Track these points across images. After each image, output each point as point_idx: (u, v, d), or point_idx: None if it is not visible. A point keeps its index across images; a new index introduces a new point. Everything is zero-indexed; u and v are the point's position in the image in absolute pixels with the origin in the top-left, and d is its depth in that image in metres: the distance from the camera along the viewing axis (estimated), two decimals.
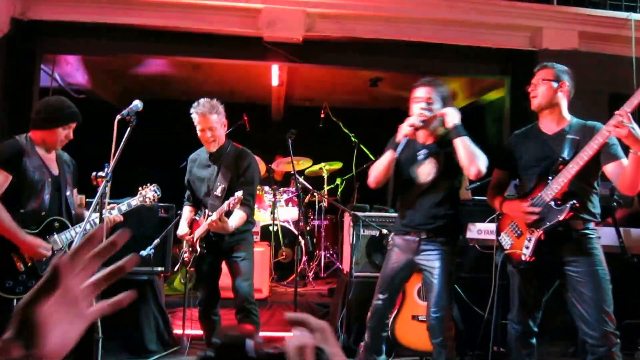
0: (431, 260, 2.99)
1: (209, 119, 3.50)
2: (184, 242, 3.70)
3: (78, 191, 3.41)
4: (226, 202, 3.29)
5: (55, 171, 3.12)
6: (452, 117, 2.95)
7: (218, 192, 3.54)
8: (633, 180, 2.60)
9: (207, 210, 3.55)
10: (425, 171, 3.04)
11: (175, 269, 3.99)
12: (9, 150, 2.96)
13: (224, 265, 3.65)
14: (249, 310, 3.49)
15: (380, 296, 3.13)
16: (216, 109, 3.55)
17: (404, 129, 2.95)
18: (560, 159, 2.74)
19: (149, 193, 3.36)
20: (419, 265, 3.06)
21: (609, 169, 2.72)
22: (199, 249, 3.57)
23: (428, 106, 2.99)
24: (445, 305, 2.97)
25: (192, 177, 3.75)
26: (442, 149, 3.03)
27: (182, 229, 3.70)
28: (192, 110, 3.55)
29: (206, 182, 3.64)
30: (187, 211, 3.80)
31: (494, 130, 6.46)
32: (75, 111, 3.13)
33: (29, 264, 2.93)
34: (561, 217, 2.69)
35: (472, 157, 2.85)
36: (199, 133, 3.56)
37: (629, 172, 2.59)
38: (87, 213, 3.23)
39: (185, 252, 3.70)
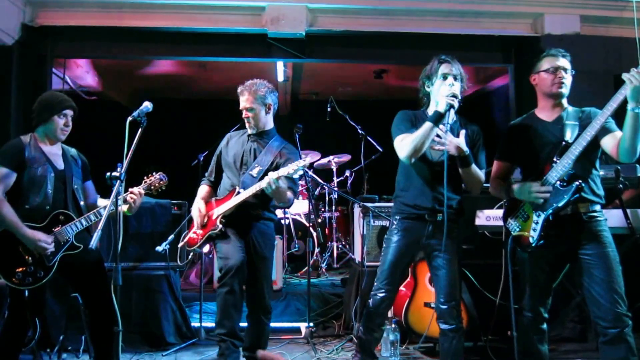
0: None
1: (246, 98, 3.50)
2: (194, 221, 3.55)
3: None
4: (285, 171, 3.16)
5: (60, 165, 3.22)
6: (463, 146, 2.93)
7: (254, 172, 3.44)
8: (631, 143, 2.62)
9: (237, 188, 3.41)
10: (439, 153, 3.02)
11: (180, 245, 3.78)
12: (12, 149, 3.09)
13: None
14: (265, 322, 3.51)
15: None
16: (256, 89, 3.50)
17: (449, 100, 2.86)
18: (564, 142, 2.78)
19: (154, 181, 3.39)
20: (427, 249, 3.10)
21: (605, 141, 2.77)
22: (219, 226, 3.41)
23: (462, 83, 3.05)
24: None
25: (226, 150, 3.63)
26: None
27: (198, 205, 3.55)
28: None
29: (241, 156, 3.53)
30: (203, 190, 3.67)
31: (500, 117, 6.47)
32: (65, 99, 3.23)
33: (37, 256, 3.05)
34: (567, 198, 2.72)
35: (473, 185, 3.02)
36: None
37: (627, 134, 2.61)
38: (103, 201, 3.34)
39: (193, 231, 3.55)
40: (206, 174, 3.77)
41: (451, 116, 2.90)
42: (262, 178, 3.32)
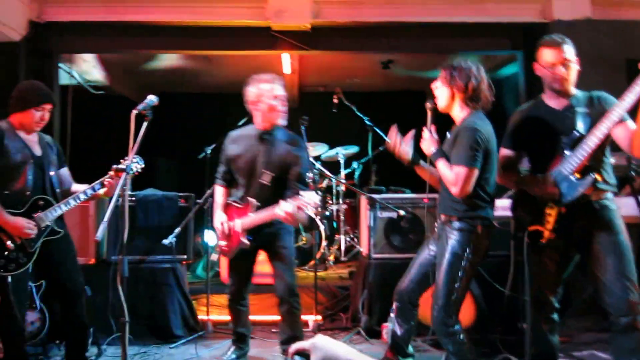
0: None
1: (280, 89, 3.41)
2: (220, 232, 3.50)
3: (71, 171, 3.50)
4: (301, 204, 3.09)
5: (37, 152, 3.25)
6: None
7: (265, 180, 3.38)
8: None
9: (251, 199, 3.37)
10: None
11: (213, 257, 3.84)
12: None
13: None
14: (292, 303, 3.43)
15: None
16: (280, 79, 3.43)
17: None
18: (577, 133, 2.71)
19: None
20: None
21: (617, 132, 2.67)
22: (247, 242, 3.37)
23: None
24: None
25: (233, 155, 3.51)
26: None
27: (220, 217, 3.51)
28: (254, 83, 3.43)
29: (251, 164, 3.42)
30: (220, 194, 3.60)
31: (511, 105, 6.40)
32: (45, 93, 3.24)
33: (18, 242, 3.08)
34: (583, 191, 2.66)
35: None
36: (267, 105, 3.37)
37: None
38: (78, 187, 3.34)
39: (223, 241, 3.52)
40: (218, 174, 3.66)
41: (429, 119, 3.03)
42: (275, 185, 3.36)
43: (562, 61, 2.78)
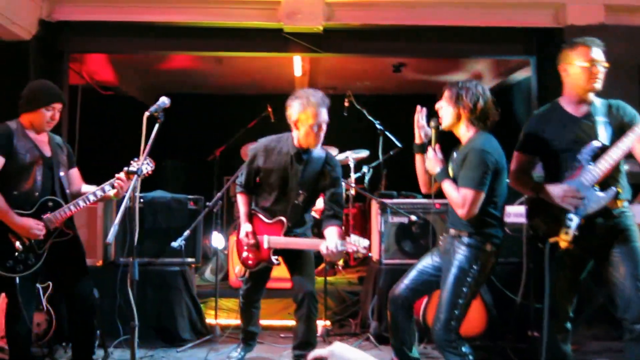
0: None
1: (325, 112, 3.24)
2: (246, 244, 3.43)
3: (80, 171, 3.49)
4: (350, 247, 3.06)
5: (47, 153, 3.23)
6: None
7: (300, 201, 3.32)
8: None
9: (283, 219, 3.33)
10: None
11: (238, 272, 3.68)
12: (0, 135, 3.08)
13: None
14: (310, 308, 3.33)
15: None
16: (326, 101, 3.27)
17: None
18: (600, 143, 2.69)
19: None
20: None
21: (637, 146, 2.66)
22: (273, 260, 3.34)
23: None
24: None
25: (265, 168, 3.40)
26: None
27: (246, 228, 3.41)
28: (300, 102, 3.22)
29: (286, 182, 3.35)
30: (244, 203, 3.50)
31: (522, 110, 6.35)
32: (55, 92, 3.21)
33: (27, 243, 3.06)
34: (603, 203, 2.65)
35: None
36: (306, 129, 3.22)
37: None
38: (88, 188, 3.32)
39: (248, 252, 3.46)
40: (241, 182, 3.54)
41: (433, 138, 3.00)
42: (306, 203, 3.36)
43: (599, 61, 2.75)
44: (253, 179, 3.50)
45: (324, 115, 3.24)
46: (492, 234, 2.86)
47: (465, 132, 2.93)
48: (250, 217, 3.48)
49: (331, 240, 3.13)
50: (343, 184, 4.84)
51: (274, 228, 3.37)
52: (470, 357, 2.82)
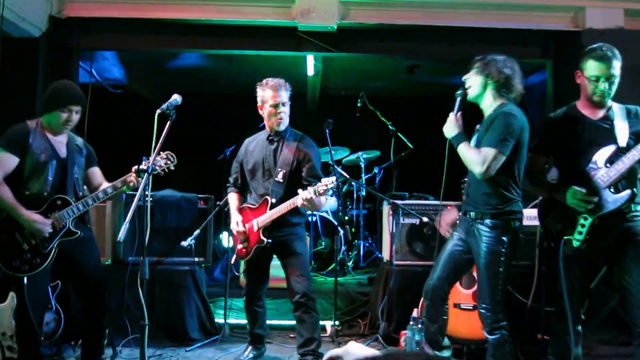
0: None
1: (284, 94, 3.47)
2: (236, 232, 3.58)
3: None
4: (317, 187, 3.16)
5: (62, 154, 3.22)
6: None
7: (279, 177, 3.46)
8: None
9: (269, 198, 3.45)
10: None
11: (233, 261, 3.88)
12: (16, 135, 3.10)
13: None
14: (307, 305, 3.45)
15: None
16: (286, 86, 3.51)
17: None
18: (618, 146, 2.70)
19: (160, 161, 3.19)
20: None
21: None
22: (264, 239, 3.44)
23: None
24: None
25: (246, 159, 3.65)
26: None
27: (236, 218, 3.59)
28: (261, 87, 3.50)
29: (263, 164, 3.55)
30: (234, 199, 3.71)
31: (536, 113, 6.28)
32: (72, 94, 3.19)
33: (33, 243, 3.06)
34: (619, 205, 2.67)
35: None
36: (268, 110, 3.49)
37: None
38: (107, 185, 3.30)
39: (240, 244, 3.60)
40: (231, 181, 3.78)
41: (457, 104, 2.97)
42: (289, 182, 3.44)
43: (608, 77, 2.74)
44: (240, 174, 3.71)
45: (283, 97, 3.47)
46: (514, 211, 2.85)
47: (491, 103, 2.92)
48: (241, 211, 3.64)
49: (301, 191, 3.23)
50: (344, 174, 4.89)
51: (260, 210, 3.50)
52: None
